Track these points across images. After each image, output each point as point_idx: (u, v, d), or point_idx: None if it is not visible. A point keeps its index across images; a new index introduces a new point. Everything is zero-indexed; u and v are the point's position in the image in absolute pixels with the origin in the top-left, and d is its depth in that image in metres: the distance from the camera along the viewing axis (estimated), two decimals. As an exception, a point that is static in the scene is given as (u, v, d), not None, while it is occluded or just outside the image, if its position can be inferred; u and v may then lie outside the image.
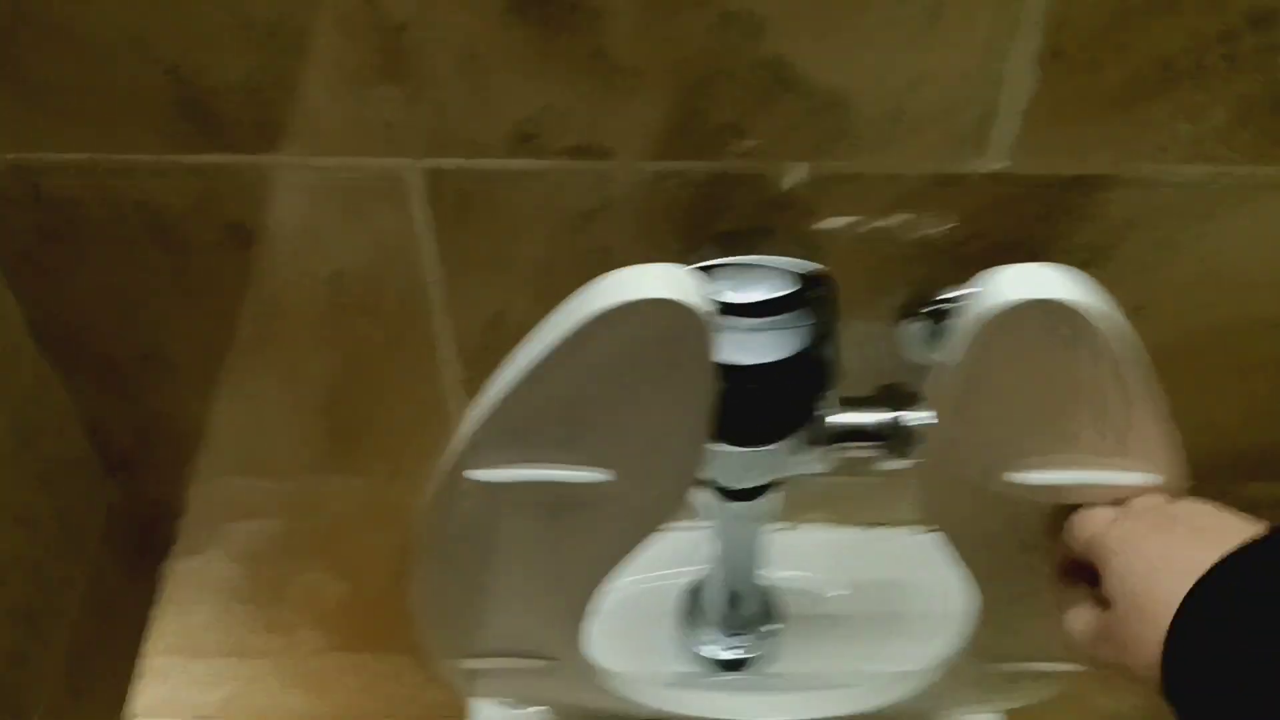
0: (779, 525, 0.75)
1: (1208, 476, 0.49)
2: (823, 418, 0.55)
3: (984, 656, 0.57)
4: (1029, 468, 0.46)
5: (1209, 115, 0.50)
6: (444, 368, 0.64)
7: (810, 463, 0.56)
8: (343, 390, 0.67)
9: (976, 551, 0.51)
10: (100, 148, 0.54)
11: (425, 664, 0.70)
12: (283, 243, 0.58)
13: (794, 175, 0.53)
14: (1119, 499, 0.46)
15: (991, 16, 0.47)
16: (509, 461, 0.45)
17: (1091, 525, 0.45)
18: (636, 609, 0.73)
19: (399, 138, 0.53)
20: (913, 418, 0.54)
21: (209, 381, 0.67)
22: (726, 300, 0.50)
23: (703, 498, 0.60)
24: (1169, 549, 0.42)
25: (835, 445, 0.55)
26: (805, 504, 0.75)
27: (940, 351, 0.45)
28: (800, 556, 0.75)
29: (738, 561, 0.66)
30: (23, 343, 0.64)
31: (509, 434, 0.44)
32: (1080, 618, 0.45)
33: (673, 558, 0.75)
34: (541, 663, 0.56)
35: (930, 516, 0.50)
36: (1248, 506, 0.44)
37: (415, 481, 0.72)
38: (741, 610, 0.70)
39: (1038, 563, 0.49)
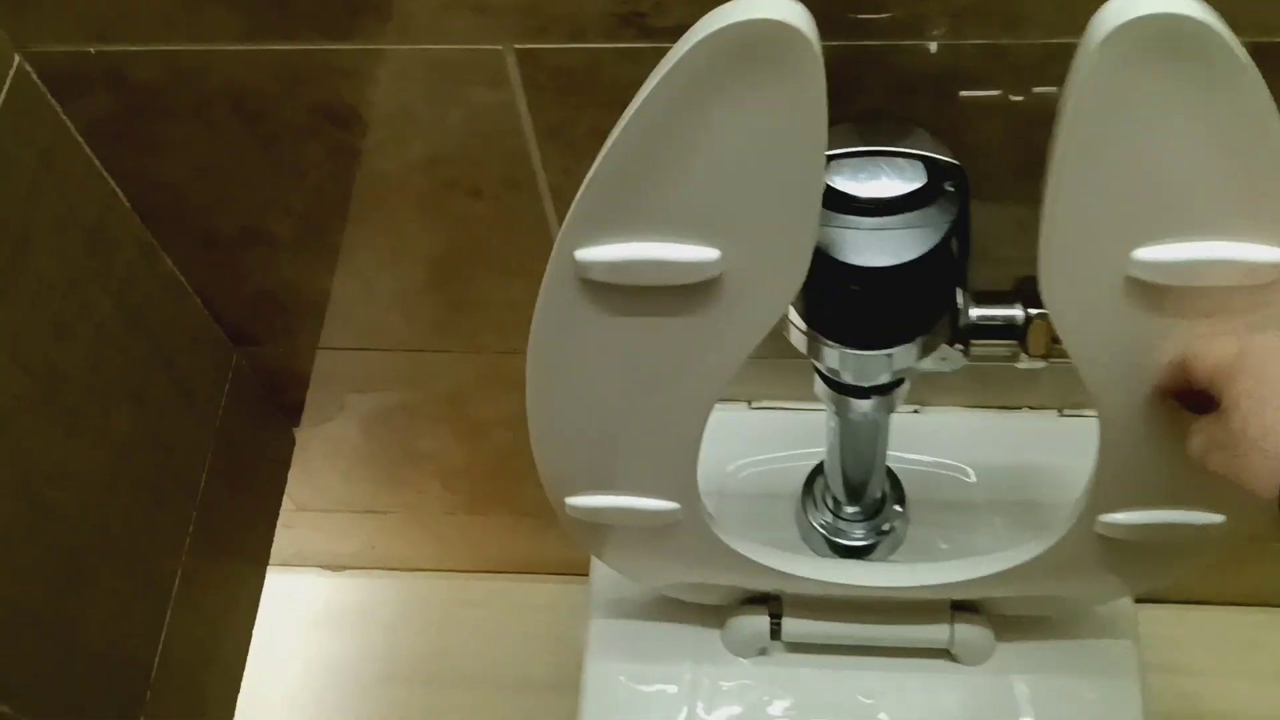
0: (905, 409, 0.71)
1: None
2: (952, 317, 0.50)
3: (1105, 505, 0.52)
4: (1158, 242, 0.41)
5: None
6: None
7: (938, 361, 0.52)
8: (452, 267, 0.65)
9: (1098, 370, 0.46)
10: (184, 38, 0.51)
11: (551, 517, 0.71)
12: (376, 125, 0.56)
13: (931, 48, 0.48)
14: (1252, 312, 0.42)
15: None
16: (615, 238, 0.42)
17: (1218, 350, 0.41)
18: (757, 492, 0.70)
19: (494, 20, 0.49)
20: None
21: (315, 258, 0.66)
22: (849, 193, 0.46)
23: (821, 389, 0.57)
24: None
25: (966, 344, 0.51)
26: (935, 388, 0.71)
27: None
28: (927, 440, 0.71)
29: (858, 453, 0.63)
30: (124, 225, 0.63)
31: (614, 203, 0.41)
32: (1199, 431, 0.42)
33: (795, 439, 0.72)
34: (661, 505, 0.54)
35: (1055, 323, 0.45)
36: None
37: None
38: (863, 498, 0.67)
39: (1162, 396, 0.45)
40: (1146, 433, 0.48)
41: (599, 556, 0.62)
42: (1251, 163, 0.38)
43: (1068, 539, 0.55)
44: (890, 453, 0.65)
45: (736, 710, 0.66)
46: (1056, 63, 0.39)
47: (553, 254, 0.45)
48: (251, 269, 0.67)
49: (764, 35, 0.35)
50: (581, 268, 0.43)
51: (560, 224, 0.60)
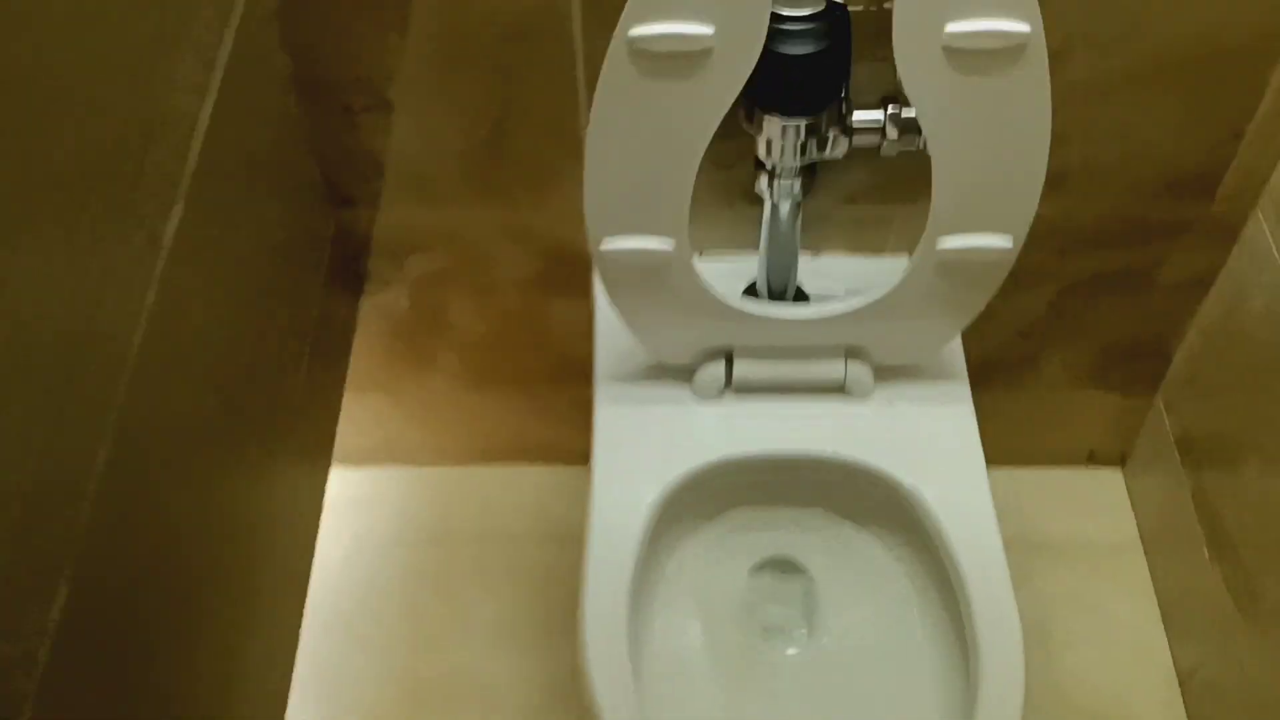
0: (806, 253, 1.03)
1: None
2: (840, 108, 0.84)
3: (942, 229, 0.83)
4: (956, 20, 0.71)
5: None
6: (582, 110, 0.93)
7: (834, 146, 0.85)
8: (496, 126, 0.94)
9: (931, 117, 0.76)
10: None
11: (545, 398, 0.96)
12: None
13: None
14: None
15: None
16: (655, 20, 0.71)
17: None
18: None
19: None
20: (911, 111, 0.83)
21: (404, 116, 0.94)
22: (779, 12, 0.79)
23: (762, 183, 0.89)
24: None
25: (849, 131, 0.85)
26: (826, 236, 1.03)
27: None
28: (823, 276, 1.03)
29: (781, 251, 0.95)
30: (287, 94, 0.91)
31: None
32: None
33: (736, 275, 1.04)
34: (660, 240, 0.84)
35: (904, 85, 0.75)
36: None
37: (550, 212, 1.01)
38: (785, 291, 0.99)
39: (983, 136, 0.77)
40: (962, 168, 0.81)
41: (616, 298, 0.91)
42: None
43: (917, 263, 0.87)
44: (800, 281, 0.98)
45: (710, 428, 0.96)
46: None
47: (614, 34, 0.76)
48: (354, 132, 0.96)
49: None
50: (631, 38, 0.75)
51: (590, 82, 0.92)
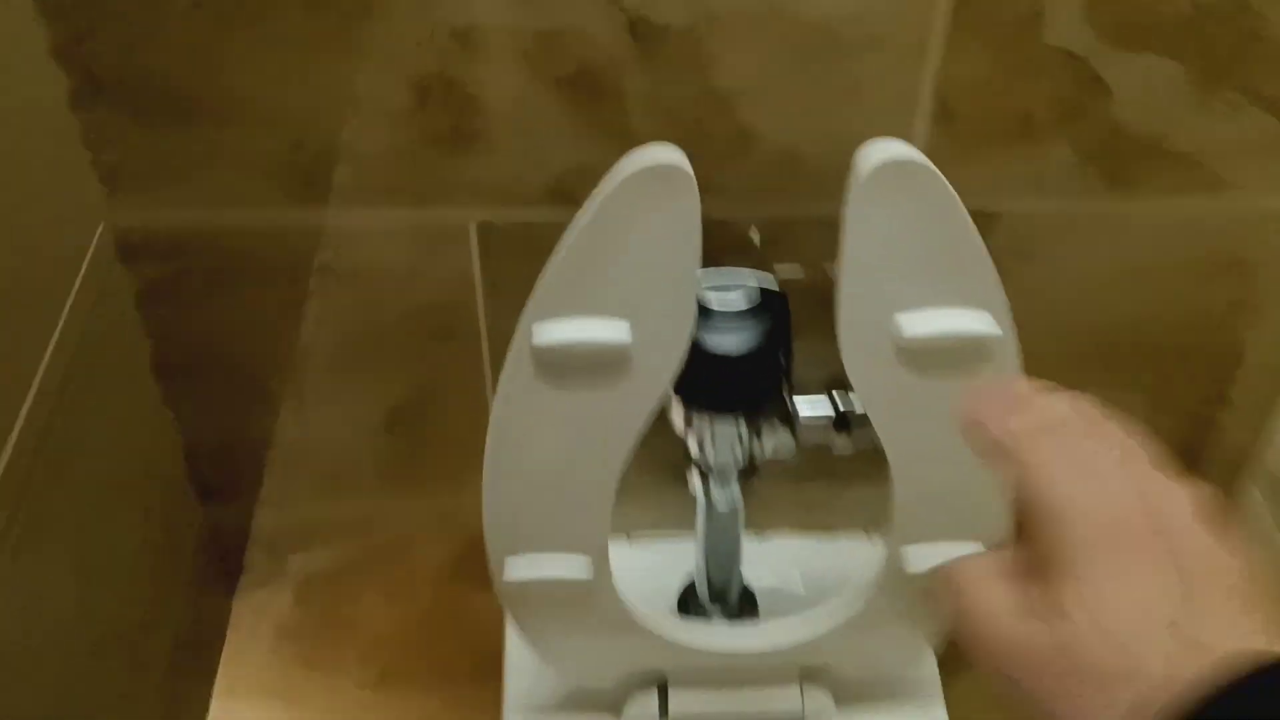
0: (751, 536, 0.90)
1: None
2: (782, 402, 0.72)
3: (906, 537, 0.71)
4: (909, 310, 0.61)
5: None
6: (488, 391, 0.81)
7: (777, 442, 0.73)
8: (401, 412, 0.83)
9: (884, 417, 0.66)
10: (208, 204, 0.71)
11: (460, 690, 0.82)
12: (362, 282, 0.75)
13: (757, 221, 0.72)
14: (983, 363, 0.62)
15: (896, 87, 0.66)
16: (560, 318, 0.61)
17: (991, 413, 0.40)
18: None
19: (463, 191, 0.71)
20: (853, 401, 0.72)
21: (293, 407, 0.83)
22: (709, 306, 0.68)
23: (695, 483, 0.76)
24: (1142, 584, 0.33)
25: (794, 429, 0.73)
26: (773, 515, 0.91)
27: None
28: (766, 560, 0.90)
29: (721, 553, 0.82)
30: (146, 380, 0.79)
31: (562, 291, 0.60)
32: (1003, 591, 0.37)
33: (669, 565, 0.90)
34: (577, 559, 0.71)
35: (853, 383, 0.64)
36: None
37: (465, 496, 0.88)
38: (727, 599, 0.85)
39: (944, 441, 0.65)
40: (924, 473, 0.69)
41: (523, 626, 0.77)
42: (958, 252, 0.61)
43: (883, 579, 0.74)
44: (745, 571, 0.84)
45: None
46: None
47: (515, 336, 0.64)
48: (227, 424, 0.83)
49: (664, 173, 0.58)
50: (535, 345, 0.63)
51: (491, 369, 0.80)
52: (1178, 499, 0.35)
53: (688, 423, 0.72)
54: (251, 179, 0.70)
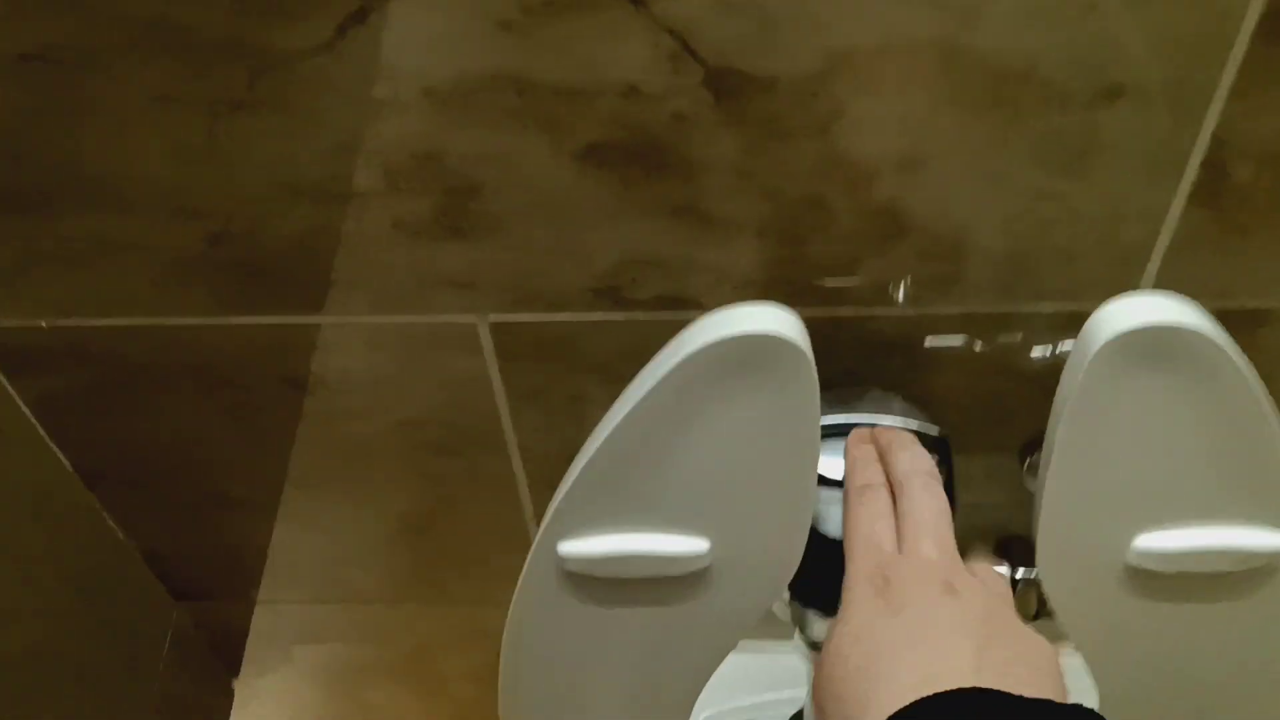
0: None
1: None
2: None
3: None
4: (1154, 532, 0.40)
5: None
6: (524, 501, 0.60)
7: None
8: (422, 521, 0.63)
9: (1097, 648, 0.45)
10: (146, 311, 0.50)
11: None
12: (347, 391, 0.55)
13: (902, 315, 0.48)
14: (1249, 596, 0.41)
15: (1145, 157, 0.42)
16: (602, 530, 0.41)
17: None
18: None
19: (469, 292, 0.48)
20: (1033, 573, 0.50)
21: (276, 517, 0.64)
22: (828, 476, 0.45)
23: (805, 654, 0.55)
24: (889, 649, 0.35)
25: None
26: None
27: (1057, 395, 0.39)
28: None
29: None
30: (75, 496, 0.61)
31: (602, 496, 0.40)
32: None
33: (778, 681, 0.70)
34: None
35: (1054, 607, 0.44)
36: None
37: (496, 608, 0.69)
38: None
39: (1164, 662, 0.44)
40: (1132, 688, 0.47)
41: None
42: (1239, 447, 0.38)
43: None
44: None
45: None
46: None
47: (534, 546, 0.43)
48: (209, 529, 0.65)
49: (761, 348, 0.35)
50: (564, 560, 0.42)
51: (528, 480, 0.59)
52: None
53: (799, 622, 0.50)
54: (163, 278, 0.48)
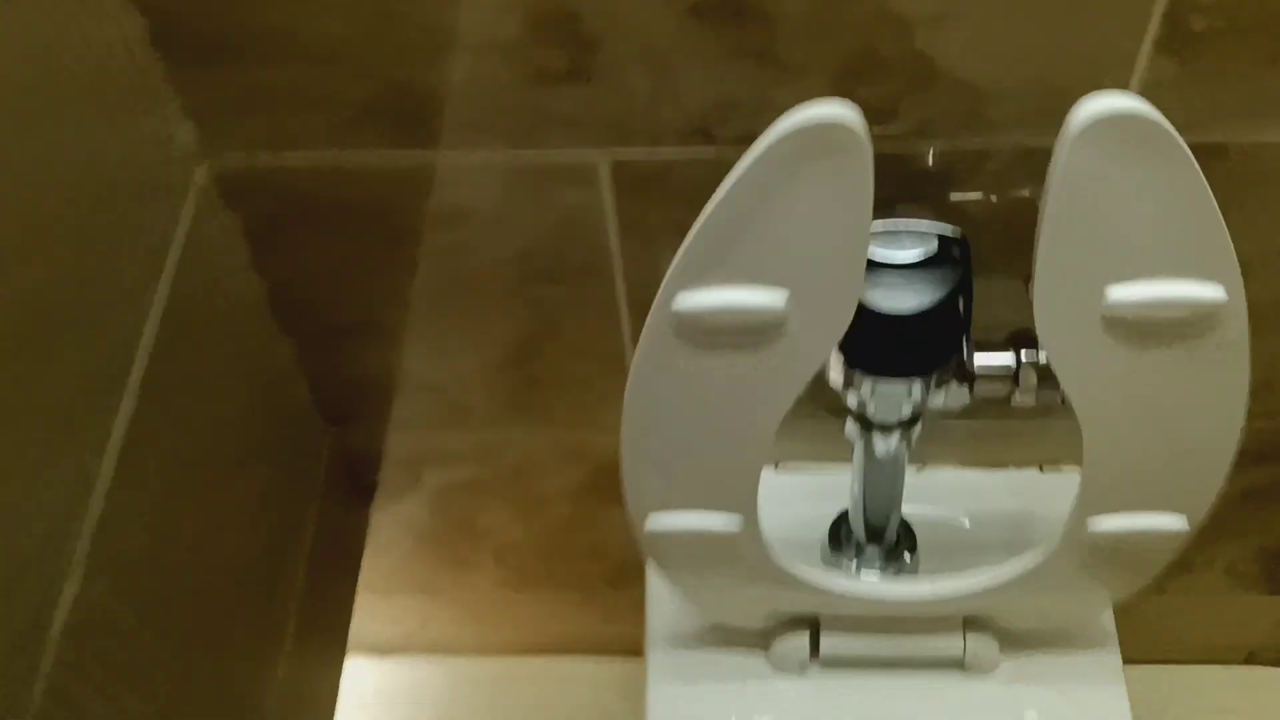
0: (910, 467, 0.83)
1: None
2: (959, 360, 0.63)
3: (1092, 509, 0.64)
4: (1124, 282, 0.52)
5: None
6: (624, 327, 0.74)
7: (950, 398, 0.65)
8: (532, 348, 0.78)
9: (1083, 391, 0.58)
10: (321, 144, 0.64)
11: (594, 593, 0.78)
12: (480, 224, 0.68)
13: (935, 153, 0.62)
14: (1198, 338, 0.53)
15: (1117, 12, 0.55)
16: (706, 285, 0.54)
17: None
18: (786, 539, 0.82)
19: (585, 130, 0.62)
20: (1037, 355, 0.63)
21: (415, 344, 0.78)
22: (878, 259, 0.59)
23: (851, 429, 0.69)
24: None
25: (970, 383, 0.64)
26: (938, 443, 0.83)
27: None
28: (929, 494, 0.83)
29: (880, 492, 0.75)
30: (262, 315, 0.75)
31: (707, 258, 0.53)
32: None
33: (820, 496, 0.84)
34: (727, 519, 0.66)
35: (1048, 355, 0.57)
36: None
37: (595, 428, 0.83)
38: (883, 539, 0.79)
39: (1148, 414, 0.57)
40: (1123, 443, 0.60)
41: (665, 572, 0.72)
42: (1188, 216, 0.51)
43: (1063, 544, 0.67)
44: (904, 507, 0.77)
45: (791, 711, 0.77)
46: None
47: (656, 300, 0.57)
48: (360, 356, 0.79)
49: (830, 132, 0.49)
50: (678, 311, 0.56)
51: (627, 310, 0.73)
52: None
53: (848, 383, 0.64)
54: (351, 120, 0.62)
